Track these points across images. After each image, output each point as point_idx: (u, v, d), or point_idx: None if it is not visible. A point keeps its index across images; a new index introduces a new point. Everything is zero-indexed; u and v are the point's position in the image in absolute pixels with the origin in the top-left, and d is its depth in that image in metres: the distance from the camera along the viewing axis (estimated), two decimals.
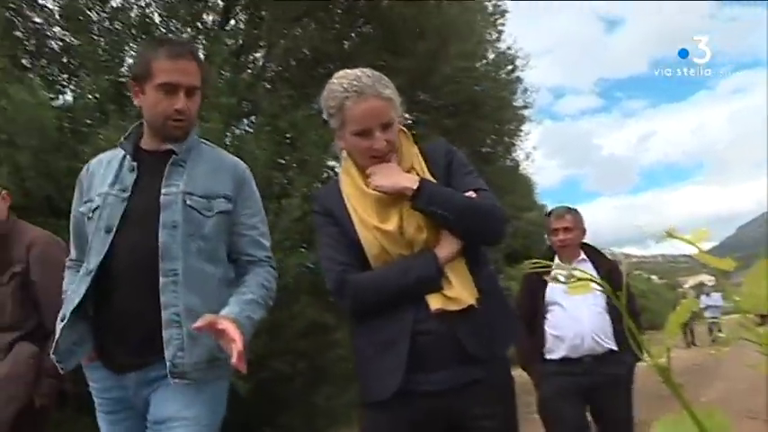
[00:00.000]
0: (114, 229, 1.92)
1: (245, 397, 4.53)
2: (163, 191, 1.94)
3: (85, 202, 2.04)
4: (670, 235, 0.61)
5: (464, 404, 1.79)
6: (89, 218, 2.00)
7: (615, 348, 3.43)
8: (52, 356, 1.92)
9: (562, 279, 0.74)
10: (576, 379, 3.44)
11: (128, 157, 2.03)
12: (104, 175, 2.03)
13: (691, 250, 0.60)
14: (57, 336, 1.92)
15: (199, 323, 1.72)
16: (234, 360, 1.67)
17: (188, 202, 1.93)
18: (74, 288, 1.96)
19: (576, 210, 3.75)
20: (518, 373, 3.74)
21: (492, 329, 1.82)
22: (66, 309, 1.94)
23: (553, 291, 3.55)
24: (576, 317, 3.46)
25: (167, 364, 1.81)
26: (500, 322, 1.87)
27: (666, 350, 0.58)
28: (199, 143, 2.09)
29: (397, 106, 1.87)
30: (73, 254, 2.16)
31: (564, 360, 3.48)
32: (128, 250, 1.91)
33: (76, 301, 1.91)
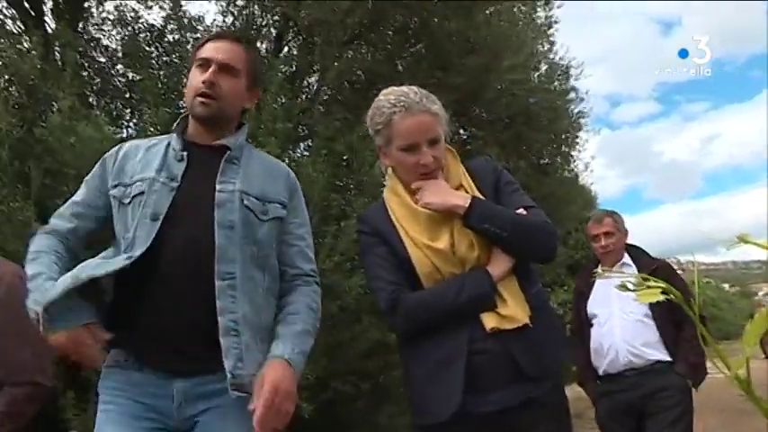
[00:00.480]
0: (161, 218, 1.76)
1: (309, 418, 4.54)
2: (218, 187, 1.81)
3: (116, 186, 1.88)
4: (743, 240, 0.58)
5: (520, 423, 1.75)
6: (123, 203, 1.83)
7: (664, 358, 3.18)
8: (42, 314, 1.64)
9: (631, 288, 0.72)
10: (620, 396, 3.23)
11: (175, 145, 1.89)
12: (147, 160, 1.88)
13: (764, 255, 0.57)
14: (55, 291, 1.65)
15: (252, 406, 1.64)
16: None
17: (245, 202, 1.82)
18: (99, 261, 1.76)
19: (615, 212, 3.53)
20: (579, 389, 3.62)
21: (543, 347, 1.79)
22: (83, 271, 1.70)
23: (592, 303, 3.40)
24: (608, 328, 3.27)
25: (228, 375, 1.68)
26: (550, 339, 1.84)
27: (746, 361, 0.54)
28: (249, 145, 2.02)
29: (444, 123, 1.86)
30: (56, 224, 1.91)
31: (606, 377, 3.29)
32: (176, 244, 1.76)
33: (101, 271, 1.71)
